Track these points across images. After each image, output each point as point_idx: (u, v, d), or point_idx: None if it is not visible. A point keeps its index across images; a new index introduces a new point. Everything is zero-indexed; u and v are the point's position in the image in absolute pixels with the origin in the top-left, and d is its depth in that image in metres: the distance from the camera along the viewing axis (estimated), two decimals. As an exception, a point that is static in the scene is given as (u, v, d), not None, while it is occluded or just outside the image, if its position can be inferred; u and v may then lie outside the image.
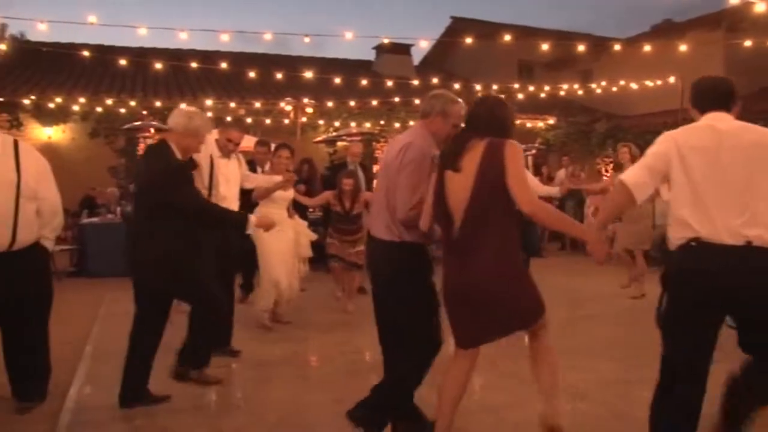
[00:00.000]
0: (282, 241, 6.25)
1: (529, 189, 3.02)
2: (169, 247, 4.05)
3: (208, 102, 14.18)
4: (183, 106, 13.83)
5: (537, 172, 12.92)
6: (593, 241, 3.20)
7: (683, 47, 12.96)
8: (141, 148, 12.21)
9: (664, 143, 3.11)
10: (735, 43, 13.85)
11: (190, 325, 4.31)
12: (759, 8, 8.97)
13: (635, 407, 4.39)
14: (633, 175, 3.11)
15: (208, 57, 15.81)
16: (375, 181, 4.89)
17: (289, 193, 6.47)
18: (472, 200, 3.07)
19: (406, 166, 3.40)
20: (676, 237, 3.02)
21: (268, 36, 10.61)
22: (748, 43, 12.55)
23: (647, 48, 13.19)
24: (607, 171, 14.99)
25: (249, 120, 15.46)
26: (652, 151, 3.14)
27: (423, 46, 16.95)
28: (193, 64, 13.80)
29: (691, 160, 2.98)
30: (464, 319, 3.18)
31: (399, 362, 3.55)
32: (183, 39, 9.96)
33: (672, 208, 3.05)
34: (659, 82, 15.20)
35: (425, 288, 3.47)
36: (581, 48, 13.05)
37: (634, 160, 6.92)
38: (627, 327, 6.92)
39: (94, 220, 10.89)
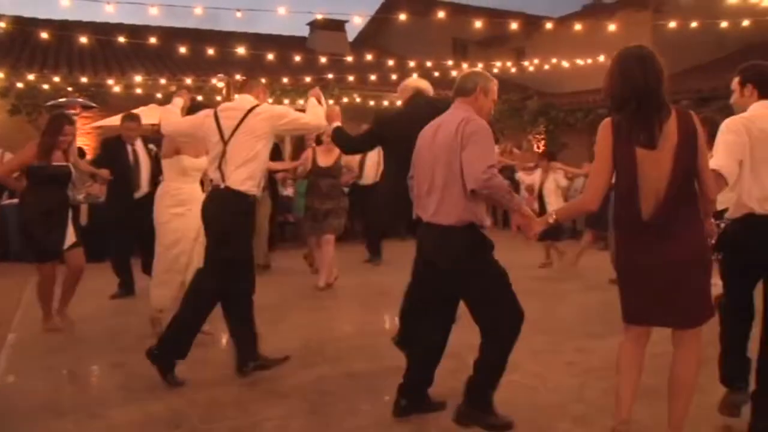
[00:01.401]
0: (185, 224, 5.24)
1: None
2: None
3: (137, 78, 13.73)
4: (111, 82, 13.55)
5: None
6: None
7: (612, 27, 13.21)
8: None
9: (739, 133, 3.43)
10: (661, 24, 14.21)
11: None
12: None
13: (566, 377, 4.52)
14: (726, 165, 3.33)
15: (137, 31, 15.30)
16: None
17: (201, 162, 5.19)
18: (673, 180, 2.96)
19: (469, 137, 3.38)
20: (736, 211, 3.57)
21: (198, 10, 10.31)
22: (673, 24, 12.89)
23: (578, 27, 13.39)
24: (538, 147, 15.24)
25: (180, 97, 15.10)
26: (731, 140, 3.42)
27: (357, 22, 16.82)
28: (121, 39, 13.32)
29: (758, 143, 3.42)
30: (648, 296, 3.06)
31: (497, 341, 3.55)
32: (109, 12, 9.55)
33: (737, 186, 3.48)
34: (589, 61, 15.45)
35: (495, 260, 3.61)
36: (514, 26, 13.15)
37: None
38: (554, 301, 7.11)
39: (15, 201, 10.43)
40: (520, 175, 10.39)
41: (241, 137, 4.32)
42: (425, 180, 3.60)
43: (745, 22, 12.93)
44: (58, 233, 5.60)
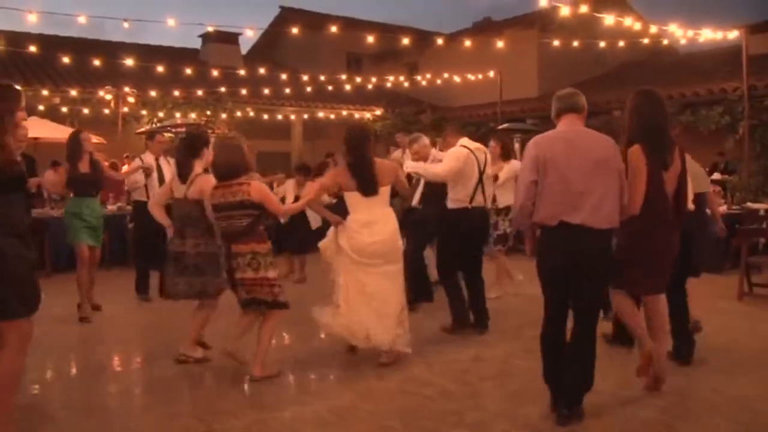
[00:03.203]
0: None
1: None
2: None
3: (17, 88, 13.00)
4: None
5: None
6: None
7: (501, 44, 13.70)
8: None
9: None
10: (546, 42, 14.85)
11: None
12: (564, 12, 9.74)
13: (461, 385, 4.60)
14: None
15: (15, 39, 14.50)
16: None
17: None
18: (679, 189, 4.22)
19: (620, 160, 3.92)
20: None
21: (82, 19, 9.90)
22: (556, 42, 13.52)
23: (468, 43, 13.79)
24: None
25: (65, 109, 14.46)
26: None
27: (250, 35, 16.58)
28: (-2, 47, 12.63)
29: None
30: (665, 271, 4.27)
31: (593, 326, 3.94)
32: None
33: None
34: (480, 76, 15.98)
35: None
36: (406, 41, 13.41)
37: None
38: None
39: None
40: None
41: None
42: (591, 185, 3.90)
43: (621, 43, 13.73)
44: None
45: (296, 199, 9.48)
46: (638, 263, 4.22)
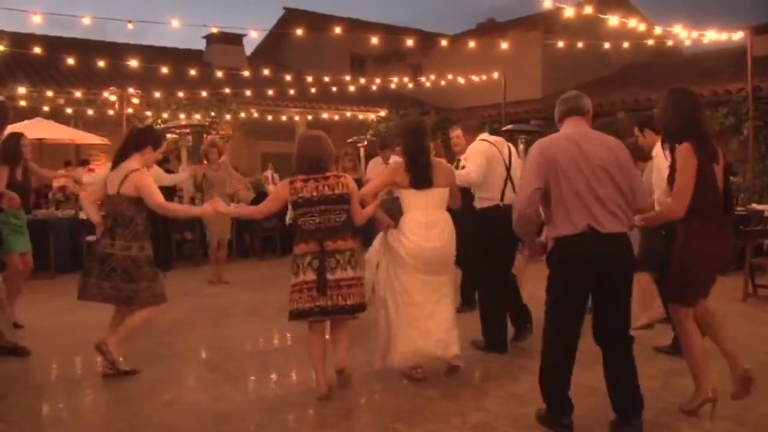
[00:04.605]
0: None
1: None
2: None
3: (21, 90, 13.05)
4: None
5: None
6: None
7: (505, 45, 13.68)
8: None
9: None
10: (550, 43, 14.85)
11: None
12: (568, 13, 9.74)
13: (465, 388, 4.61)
14: None
15: (20, 40, 14.54)
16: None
17: None
18: (725, 185, 4.02)
19: (630, 161, 3.81)
20: None
21: (86, 20, 9.91)
22: (561, 43, 13.50)
23: (472, 45, 13.78)
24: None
25: (69, 110, 14.49)
26: None
27: (254, 36, 16.65)
28: (1, 47, 12.64)
29: None
30: (711, 272, 4.08)
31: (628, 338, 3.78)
32: (-12, 20, 9.06)
33: None
34: (484, 77, 15.96)
35: None
36: (410, 42, 13.40)
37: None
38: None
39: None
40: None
41: None
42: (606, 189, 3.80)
43: (625, 44, 13.71)
44: None
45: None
46: (703, 266, 3.99)
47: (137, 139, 4.95)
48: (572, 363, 3.69)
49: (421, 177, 4.64)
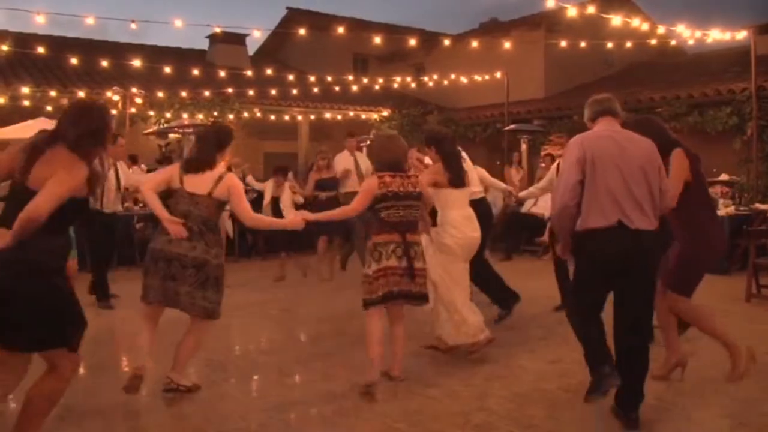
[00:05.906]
0: None
1: None
2: None
3: (25, 90, 13.06)
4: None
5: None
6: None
7: (507, 45, 13.67)
8: None
9: None
10: (553, 43, 14.82)
11: None
12: (571, 13, 9.72)
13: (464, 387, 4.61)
14: None
15: (23, 40, 14.56)
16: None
17: None
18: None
19: (661, 162, 3.94)
20: None
21: (90, 20, 9.93)
22: (563, 43, 13.48)
23: (475, 44, 13.76)
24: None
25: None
26: None
27: (257, 36, 16.65)
28: (4, 47, 12.66)
29: None
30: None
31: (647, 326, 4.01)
32: (-9, 19, 9.10)
33: None
34: (487, 77, 15.94)
35: None
36: (413, 42, 13.39)
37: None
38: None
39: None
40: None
41: None
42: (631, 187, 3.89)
43: (628, 44, 13.70)
44: None
45: (273, 200, 9.39)
46: (705, 257, 4.42)
47: (221, 138, 4.55)
48: (602, 330, 3.84)
49: (458, 177, 5.30)
